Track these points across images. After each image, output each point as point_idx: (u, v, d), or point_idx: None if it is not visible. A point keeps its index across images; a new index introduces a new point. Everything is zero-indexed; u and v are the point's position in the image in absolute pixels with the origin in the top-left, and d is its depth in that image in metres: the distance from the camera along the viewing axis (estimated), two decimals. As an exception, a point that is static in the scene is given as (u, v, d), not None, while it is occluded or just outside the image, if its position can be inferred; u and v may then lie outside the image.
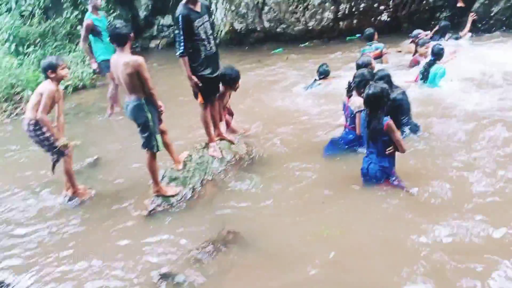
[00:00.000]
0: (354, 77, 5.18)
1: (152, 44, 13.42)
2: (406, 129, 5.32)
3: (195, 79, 4.69)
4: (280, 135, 5.95)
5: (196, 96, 4.94)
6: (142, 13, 13.37)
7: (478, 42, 9.16)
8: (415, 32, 8.58)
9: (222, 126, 5.62)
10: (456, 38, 9.06)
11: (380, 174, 4.35)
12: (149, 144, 4.33)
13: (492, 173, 4.42)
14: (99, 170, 5.72)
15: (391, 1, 10.88)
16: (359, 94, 5.03)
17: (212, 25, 4.84)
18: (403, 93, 5.36)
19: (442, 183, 4.34)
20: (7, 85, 8.95)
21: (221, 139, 5.39)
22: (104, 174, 5.57)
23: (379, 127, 4.18)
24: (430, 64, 6.80)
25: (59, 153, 4.67)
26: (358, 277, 3.34)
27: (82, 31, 7.31)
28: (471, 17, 9.38)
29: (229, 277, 3.51)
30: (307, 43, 11.56)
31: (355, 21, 11.28)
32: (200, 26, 4.61)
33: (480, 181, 4.32)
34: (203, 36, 4.66)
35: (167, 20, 13.13)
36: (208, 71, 4.81)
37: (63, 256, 4.00)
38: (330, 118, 6.35)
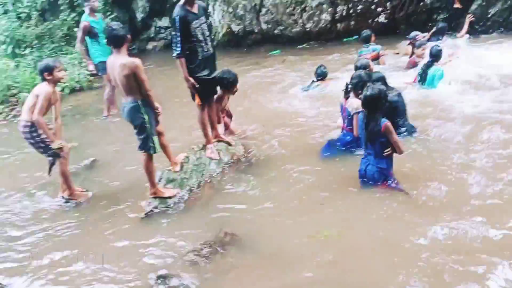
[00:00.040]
0: (352, 78, 5.18)
1: (150, 46, 13.38)
2: (403, 130, 5.31)
3: (192, 80, 4.68)
4: (278, 137, 5.93)
5: (193, 98, 4.92)
6: (139, 15, 13.33)
7: (475, 44, 9.16)
8: (413, 33, 8.57)
9: (220, 128, 5.60)
10: (453, 39, 9.08)
11: (378, 176, 4.34)
12: (146, 146, 4.31)
13: (491, 174, 4.42)
14: (96, 172, 5.69)
15: (389, 2, 10.89)
16: (357, 95, 5.03)
17: (209, 26, 4.84)
18: (399, 94, 5.36)
19: (439, 184, 4.34)
20: (3, 87, 8.92)
21: (218, 141, 5.37)
22: (101, 176, 5.54)
23: (377, 129, 4.18)
24: (428, 66, 6.80)
25: (55, 155, 4.64)
26: (357, 278, 3.32)
27: (78, 33, 7.29)
28: (469, 18, 9.38)
29: (227, 279, 3.49)
30: (304, 45, 11.56)
31: (352, 23, 11.27)
32: (197, 27, 4.60)
33: (479, 182, 4.32)
34: (200, 38, 4.65)
35: (164, 22, 13.10)
36: (205, 72, 4.80)
37: (58, 258, 3.98)
38: (327, 120, 6.33)
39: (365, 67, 5.80)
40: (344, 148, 5.25)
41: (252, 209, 4.37)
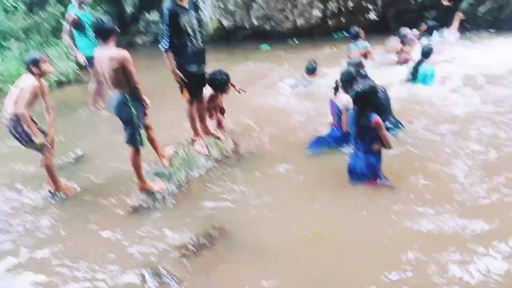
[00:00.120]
0: (341, 75, 5.16)
1: (139, 40, 13.26)
2: (388, 126, 5.31)
3: (179, 73, 4.63)
4: (267, 132, 5.92)
5: (182, 92, 4.88)
6: (128, 9, 13.20)
7: (464, 42, 9.24)
8: (402, 30, 8.59)
9: (212, 124, 5.57)
10: (443, 37, 9.13)
11: (367, 171, 4.34)
12: (132, 140, 4.26)
13: (477, 170, 4.47)
14: (83, 165, 5.61)
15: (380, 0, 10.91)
16: (346, 91, 5.02)
17: (199, 21, 4.80)
18: (383, 90, 5.35)
19: (426, 179, 4.38)
20: (-12, 79, 8.77)
21: (207, 135, 5.33)
22: (87, 169, 5.46)
23: (367, 124, 4.17)
24: (418, 63, 6.81)
25: (38, 149, 4.56)
26: (344, 274, 3.31)
27: (65, 25, 7.16)
28: (458, 16, 9.45)
29: (215, 273, 3.47)
30: (295, 40, 11.54)
31: (343, 20, 11.29)
32: (187, 21, 4.55)
33: (464, 178, 4.37)
34: (190, 32, 4.61)
35: (153, 16, 12.98)
36: (194, 66, 4.77)
37: (41, 253, 3.90)
38: (317, 115, 6.34)
39: (357, 64, 5.80)
40: (333, 144, 5.24)
41: (241, 204, 4.35)
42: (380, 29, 10.66)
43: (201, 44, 4.79)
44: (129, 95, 4.13)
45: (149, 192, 4.47)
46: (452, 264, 3.22)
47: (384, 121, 5.23)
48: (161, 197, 4.49)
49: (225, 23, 12.03)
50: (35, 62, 4.45)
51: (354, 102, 4.30)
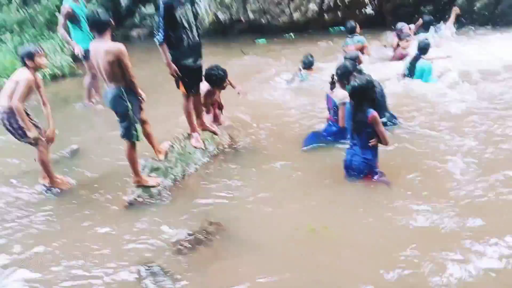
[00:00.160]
0: (337, 69, 5.15)
1: (134, 33, 13.18)
2: (384, 120, 5.31)
3: (174, 66, 4.60)
4: (264, 127, 5.90)
5: (178, 86, 4.85)
6: (123, 2, 13.10)
7: (460, 37, 9.25)
8: (399, 25, 8.58)
9: (208, 118, 5.55)
10: (439, 32, 9.13)
11: (363, 167, 4.33)
12: (128, 134, 4.23)
13: (473, 165, 4.46)
14: (78, 160, 5.58)
15: (376, -6, 10.90)
16: (343, 86, 5.01)
17: (195, 14, 4.76)
18: (378, 85, 5.35)
19: (423, 176, 4.38)
20: (-17, 72, 8.69)
21: (203, 130, 5.31)
22: (83, 164, 5.43)
23: (364, 119, 4.16)
24: (415, 59, 6.79)
25: (32, 143, 4.53)
26: (339, 272, 3.31)
27: (60, 18, 7.09)
28: (455, 11, 9.45)
29: (211, 268, 3.46)
30: (291, 34, 11.50)
31: (339, 14, 11.26)
32: (183, 15, 4.51)
33: (460, 174, 4.36)
34: (186, 25, 4.58)
35: (149, 9, 12.90)
36: (190, 60, 4.73)
37: (36, 248, 3.87)
38: (313, 110, 6.33)
39: (354, 58, 5.79)
40: (329, 138, 5.23)
41: (237, 199, 4.33)
42: (376, 24, 10.66)
43: (197, 38, 4.75)
44: (125, 89, 4.09)
45: (145, 187, 4.45)
46: (448, 262, 3.21)
47: (380, 116, 5.25)
48: (157, 192, 4.47)
49: (221, 16, 11.97)
50: (30, 55, 4.41)
51: (351, 96, 4.29)
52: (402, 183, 4.30)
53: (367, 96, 4.20)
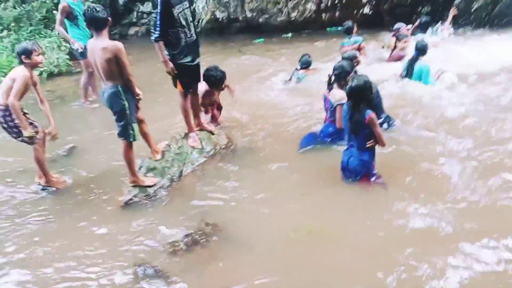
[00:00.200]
0: (334, 69, 5.13)
1: (131, 31, 13.14)
2: (380, 122, 5.31)
3: (170, 64, 4.58)
4: (261, 128, 5.89)
5: (175, 84, 4.83)
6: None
7: (457, 38, 9.27)
8: (397, 25, 8.59)
9: (204, 117, 5.54)
10: (436, 32, 9.15)
11: (360, 168, 4.32)
12: (125, 133, 4.21)
13: (470, 168, 4.46)
14: (74, 158, 5.56)
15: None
16: (340, 86, 5.00)
17: (193, 12, 4.74)
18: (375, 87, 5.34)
19: (419, 177, 4.38)
20: (-22, 70, 8.63)
21: (201, 129, 5.29)
22: (79, 163, 5.41)
23: (361, 120, 4.15)
24: (414, 60, 6.79)
25: (28, 141, 4.50)
26: (338, 274, 3.30)
27: (57, 15, 7.06)
28: (452, 12, 9.47)
29: (208, 269, 3.45)
30: (289, 34, 11.49)
31: (337, 13, 11.25)
32: (180, 12, 4.50)
33: (456, 175, 4.36)
34: (183, 23, 4.56)
35: (146, 7, 12.84)
36: (188, 59, 4.71)
37: (31, 246, 3.86)
38: (310, 111, 6.33)
39: (352, 58, 5.78)
40: (326, 139, 5.23)
41: (234, 200, 4.32)
42: (374, 24, 10.66)
43: (195, 36, 4.74)
44: (122, 87, 4.07)
45: (141, 187, 4.43)
46: (446, 265, 3.21)
47: (377, 118, 5.26)
48: (154, 192, 4.45)
49: (219, 15, 11.94)
50: (27, 53, 4.38)
51: (349, 97, 4.28)
52: (399, 184, 4.30)
53: (364, 97, 4.19)
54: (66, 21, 6.96)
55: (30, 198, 4.70)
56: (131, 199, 4.36)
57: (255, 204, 4.23)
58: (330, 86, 5.19)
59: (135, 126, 4.25)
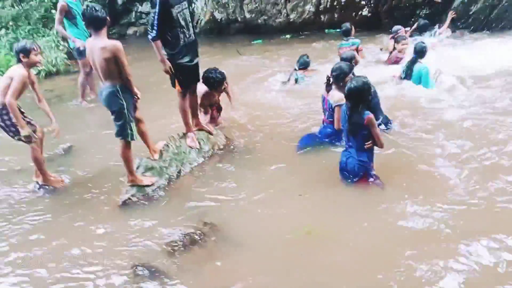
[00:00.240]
0: (332, 70, 5.13)
1: (130, 31, 13.15)
2: (378, 123, 5.32)
3: (168, 63, 4.58)
4: (259, 128, 5.89)
5: (173, 84, 4.83)
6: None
7: (455, 42, 9.29)
8: (395, 28, 8.60)
9: (202, 118, 5.54)
10: (434, 35, 9.18)
11: (359, 169, 4.32)
12: (123, 133, 4.20)
13: (468, 169, 4.47)
14: (72, 158, 5.55)
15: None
16: (339, 87, 5.00)
17: (192, 12, 4.74)
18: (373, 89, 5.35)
19: (418, 179, 4.39)
20: (-24, 68, 8.62)
21: (199, 129, 5.29)
22: (76, 162, 5.40)
23: (360, 121, 4.16)
24: (412, 62, 6.80)
25: (25, 140, 4.48)
26: (337, 275, 3.30)
27: (56, 14, 7.04)
28: (451, 14, 9.50)
29: (206, 269, 3.43)
30: (288, 36, 11.50)
31: (336, 15, 11.27)
32: (179, 12, 4.50)
33: (453, 176, 4.37)
34: (182, 23, 4.56)
35: (145, 7, 12.85)
36: (186, 59, 4.71)
37: (28, 245, 3.84)
38: (308, 112, 6.33)
39: (351, 59, 5.79)
40: (324, 140, 5.23)
41: (232, 200, 4.31)
42: (372, 26, 10.68)
43: (194, 37, 4.74)
44: (120, 87, 4.07)
45: (139, 187, 4.42)
46: (444, 265, 3.21)
47: (376, 119, 5.26)
48: (152, 192, 4.44)
49: (218, 16, 11.95)
50: (26, 52, 4.36)
51: (347, 98, 4.28)
52: (398, 185, 4.29)
53: (363, 98, 4.19)
54: (64, 20, 6.96)
55: (27, 197, 4.68)
56: (128, 199, 4.35)
57: (253, 204, 4.23)
58: (328, 87, 5.19)
59: (133, 125, 4.24)
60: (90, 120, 6.86)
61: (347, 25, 8.31)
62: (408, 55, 7.31)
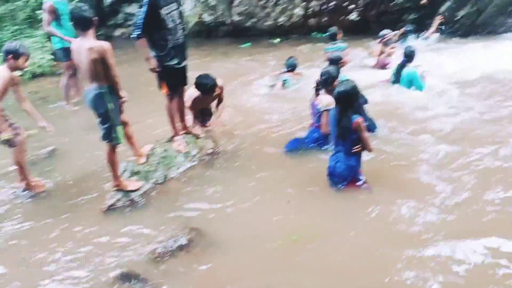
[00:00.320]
0: (321, 75, 5.12)
1: (117, 32, 13.03)
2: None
3: (154, 61, 4.52)
4: (246, 132, 5.85)
5: (160, 87, 4.77)
6: (107, 0, 12.94)
7: (441, 46, 9.38)
8: (383, 32, 8.64)
9: (190, 121, 5.48)
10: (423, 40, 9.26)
11: (347, 173, 4.31)
12: (109, 136, 4.13)
13: (455, 172, 4.50)
14: (56, 161, 5.45)
15: (361, 0, 10.94)
16: (327, 92, 4.98)
17: (180, 14, 4.69)
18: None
19: (405, 182, 4.41)
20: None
21: (186, 133, 5.23)
22: (60, 166, 5.31)
23: (348, 125, 4.14)
24: (402, 66, 6.83)
25: (7, 144, 4.38)
26: (326, 280, 3.27)
27: (44, 15, 6.91)
28: (438, 19, 9.58)
29: (192, 275, 3.38)
30: (277, 40, 11.49)
31: (324, 19, 11.29)
32: (167, 14, 4.46)
33: (436, 176, 4.42)
34: (170, 25, 4.51)
35: (133, 8, 12.74)
36: (174, 61, 4.66)
37: (6, 253, 3.76)
38: (295, 116, 6.32)
39: (338, 60, 5.78)
40: (312, 144, 5.20)
41: (219, 205, 4.26)
42: (360, 31, 10.72)
43: (182, 39, 4.69)
44: (106, 89, 4.00)
45: (125, 191, 4.34)
46: (433, 269, 3.22)
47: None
48: (137, 196, 4.36)
49: (206, 18, 11.91)
50: (16, 55, 4.26)
51: (336, 102, 4.27)
52: (387, 190, 4.28)
53: (352, 102, 4.19)
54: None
55: (8, 201, 4.58)
56: (113, 204, 4.26)
57: (240, 210, 4.18)
58: (318, 91, 5.18)
59: (120, 128, 4.17)
60: (74, 123, 6.75)
61: (333, 29, 8.33)
62: (396, 59, 7.34)
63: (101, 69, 3.89)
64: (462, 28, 10.29)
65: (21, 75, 7.32)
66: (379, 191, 4.24)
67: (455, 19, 10.29)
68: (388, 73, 7.26)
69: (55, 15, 6.78)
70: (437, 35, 9.63)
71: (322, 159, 4.72)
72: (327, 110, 4.79)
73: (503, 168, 4.51)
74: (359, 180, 4.33)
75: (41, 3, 7.74)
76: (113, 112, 4.07)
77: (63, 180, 4.94)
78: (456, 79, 7.32)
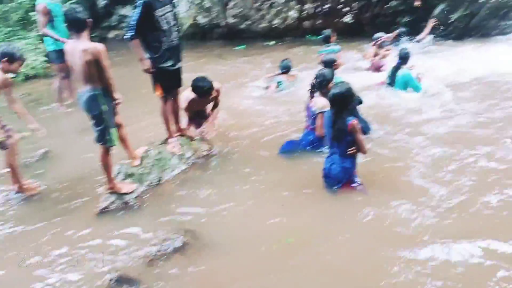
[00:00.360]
0: (316, 77, 5.12)
1: (111, 34, 12.99)
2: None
3: (148, 62, 4.51)
4: (241, 134, 5.83)
5: (154, 89, 4.75)
6: (101, 2, 12.89)
7: (434, 49, 9.42)
8: (377, 35, 8.66)
9: (186, 123, 5.46)
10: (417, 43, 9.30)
11: (342, 175, 4.30)
12: (103, 138, 4.09)
13: (450, 174, 4.50)
14: (49, 164, 5.41)
15: (356, 2, 10.97)
16: (322, 94, 4.99)
17: (175, 16, 4.67)
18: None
19: (401, 184, 4.41)
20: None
21: (181, 135, 5.20)
22: (53, 168, 5.27)
23: (344, 127, 4.14)
24: (396, 68, 6.84)
25: None
26: (322, 283, 3.25)
27: (39, 17, 6.85)
28: (432, 22, 9.63)
29: (187, 278, 3.35)
30: (273, 42, 11.50)
31: (319, 22, 11.32)
32: (162, 15, 4.44)
33: (438, 181, 4.39)
34: (165, 27, 4.49)
35: (127, 10, 12.71)
36: (169, 63, 4.64)
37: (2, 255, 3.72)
38: (289, 118, 6.31)
39: (332, 62, 5.78)
40: (307, 147, 5.19)
41: (213, 208, 4.23)
42: (354, 33, 10.75)
43: (177, 40, 4.67)
44: (100, 91, 3.97)
45: (118, 194, 4.31)
46: (429, 270, 3.21)
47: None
48: (131, 199, 4.33)
49: (201, 20, 11.89)
50: (12, 59, 4.24)
51: (331, 104, 4.27)
52: (382, 191, 4.28)
53: (347, 104, 4.19)
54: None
55: (0, 204, 4.53)
56: (107, 207, 4.23)
57: (235, 212, 4.16)
58: (312, 94, 5.17)
59: (114, 131, 4.14)
60: (67, 125, 6.71)
61: (327, 31, 8.33)
62: (390, 61, 7.35)
63: (95, 71, 3.86)
64: (455, 31, 10.34)
65: (14, 77, 7.28)
66: (374, 193, 4.24)
67: (449, 22, 10.34)
68: (383, 76, 7.27)
69: (49, 16, 6.72)
70: (430, 37, 9.66)
71: (317, 161, 4.71)
72: (322, 113, 4.79)
73: (498, 170, 4.52)
74: (354, 182, 4.33)
75: (34, 5, 7.69)
76: (107, 114, 4.04)
77: (56, 183, 4.89)
78: (449, 81, 7.34)
